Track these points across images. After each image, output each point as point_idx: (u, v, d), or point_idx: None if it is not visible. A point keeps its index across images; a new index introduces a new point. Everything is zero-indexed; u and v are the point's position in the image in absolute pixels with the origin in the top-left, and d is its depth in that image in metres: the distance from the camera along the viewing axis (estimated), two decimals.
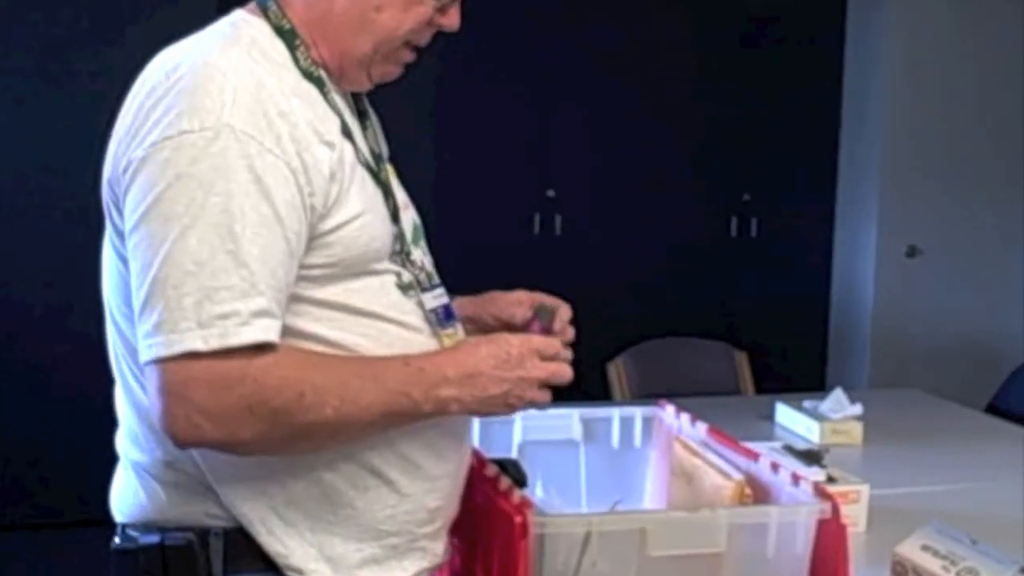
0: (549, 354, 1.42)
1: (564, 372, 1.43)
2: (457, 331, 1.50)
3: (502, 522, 1.46)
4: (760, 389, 3.68)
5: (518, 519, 1.42)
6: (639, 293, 4.87)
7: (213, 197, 1.22)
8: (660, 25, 4.84)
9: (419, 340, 1.43)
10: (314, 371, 1.29)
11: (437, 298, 1.49)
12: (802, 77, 5.04)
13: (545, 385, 1.42)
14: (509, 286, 1.71)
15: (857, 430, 2.69)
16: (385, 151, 1.56)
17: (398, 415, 1.34)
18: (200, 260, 1.22)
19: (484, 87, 4.58)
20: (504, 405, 1.40)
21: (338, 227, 1.34)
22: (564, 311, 1.59)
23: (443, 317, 1.48)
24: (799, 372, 4.95)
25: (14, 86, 3.95)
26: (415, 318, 1.45)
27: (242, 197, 1.24)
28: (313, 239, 1.32)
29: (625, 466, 1.91)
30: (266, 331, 1.25)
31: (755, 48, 4.96)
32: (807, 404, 2.81)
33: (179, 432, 1.24)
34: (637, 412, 1.93)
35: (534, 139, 4.76)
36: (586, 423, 1.92)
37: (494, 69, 4.54)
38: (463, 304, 1.64)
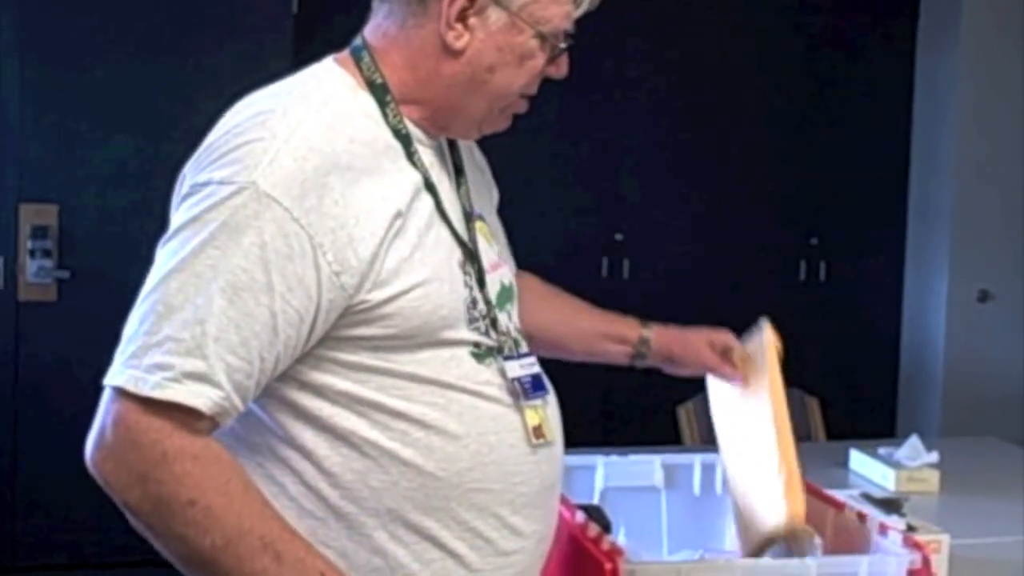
0: None
1: None
2: (545, 403, 1.43)
3: (592, 569, 1.47)
4: (829, 435, 3.65)
5: (608, 566, 1.44)
6: None
7: (211, 249, 1.21)
8: (729, 73, 4.85)
9: (495, 411, 1.36)
10: (222, 497, 1.21)
11: (524, 367, 1.41)
12: (871, 121, 5.03)
13: None
14: None
15: (934, 478, 2.66)
16: (485, 208, 1.52)
17: None
18: (171, 305, 1.20)
19: (553, 131, 4.62)
20: None
21: (394, 297, 1.28)
22: None
23: (529, 388, 1.40)
24: (869, 418, 4.90)
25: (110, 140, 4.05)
26: (492, 388, 1.37)
27: (239, 258, 1.21)
28: (361, 312, 1.28)
29: (707, 513, 1.92)
30: (195, 396, 1.19)
31: (824, 93, 4.96)
32: (882, 451, 2.78)
33: (89, 454, 1.22)
34: (718, 459, 1.93)
35: (603, 183, 4.79)
36: (667, 469, 1.94)
37: (564, 113, 4.58)
38: (668, 341, 1.73)
